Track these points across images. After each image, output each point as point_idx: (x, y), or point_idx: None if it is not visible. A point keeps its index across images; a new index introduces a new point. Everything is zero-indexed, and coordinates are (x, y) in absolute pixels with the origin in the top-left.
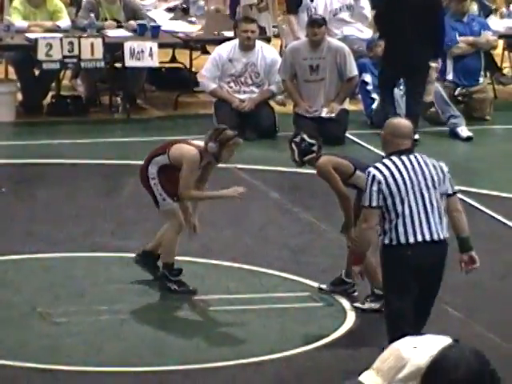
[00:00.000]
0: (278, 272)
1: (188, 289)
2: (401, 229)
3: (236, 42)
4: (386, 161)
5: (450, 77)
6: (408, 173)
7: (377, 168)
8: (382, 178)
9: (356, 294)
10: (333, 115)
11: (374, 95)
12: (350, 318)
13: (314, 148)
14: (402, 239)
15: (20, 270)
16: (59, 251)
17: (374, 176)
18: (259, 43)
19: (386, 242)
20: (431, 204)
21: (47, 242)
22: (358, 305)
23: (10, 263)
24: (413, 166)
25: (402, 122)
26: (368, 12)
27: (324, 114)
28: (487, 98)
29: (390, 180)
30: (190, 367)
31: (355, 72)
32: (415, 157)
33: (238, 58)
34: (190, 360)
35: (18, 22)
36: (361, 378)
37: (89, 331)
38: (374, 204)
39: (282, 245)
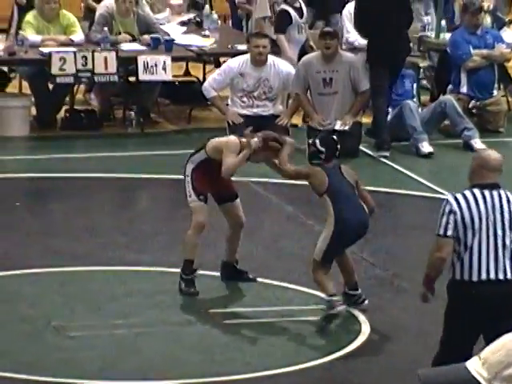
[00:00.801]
0: (292, 285)
1: (190, 292)
2: (467, 264)
3: (248, 56)
4: (466, 192)
5: (464, 89)
6: (486, 208)
7: (455, 198)
8: (457, 209)
9: (366, 302)
10: (346, 128)
11: (388, 108)
12: (365, 331)
13: (322, 156)
14: (466, 276)
15: (35, 284)
16: (74, 265)
17: (451, 205)
18: (271, 58)
19: (451, 276)
20: (503, 243)
21: (62, 256)
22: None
23: (25, 277)
24: (493, 201)
25: (492, 155)
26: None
27: (337, 126)
28: (501, 110)
29: (466, 212)
30: (206, 380)
31: (369, 85)
32: (498, 193)
33: (249, 72)
34: (205, 374)
35: (31, 36)
36: (467, 363)
37: (104, 345)
38: (449, 233)
39: (296, 257)
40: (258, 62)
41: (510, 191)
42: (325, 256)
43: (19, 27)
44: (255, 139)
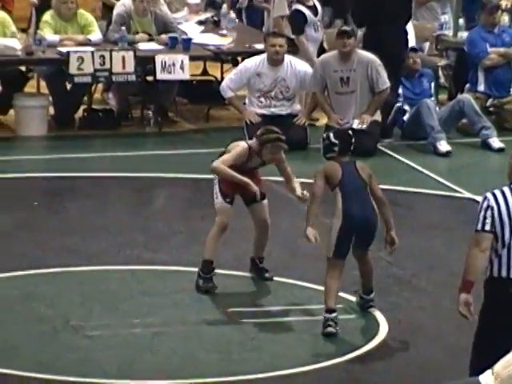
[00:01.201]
0: (310, 284)
1: (209, 286)
2: (504, 261)
3: (264, 56)
4: (505, 188)
5: (481, 88)
6: None
7: (493, 194)
8: (495, 205)
9: (372, 309)
10: (364, 127)
11: (406, 107)
12: (383, 330)
13: (335, 148)
14: (504, 273)
15: (53, 284)
16: (92, 264)
17: (488, 201)
18: (288, 57)
19: (488, 273)
20: None
21: (80, 256)
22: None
23: (42, 277)
24: None
25: None
26: None
27: (355, 125)
28: None
29: (503, 208)
30: (223, 380)
31: (387, 84)
32: None
33: (266, 72)
34: (222, 373)
35: (49, 36)
36: (480, 377)
37: (121, 344)
38: (487, 228)
39: (314, 257)
40: (275, 61)
41: None
42: (336, 250)
43: (37, 27)
44: (253, 140)
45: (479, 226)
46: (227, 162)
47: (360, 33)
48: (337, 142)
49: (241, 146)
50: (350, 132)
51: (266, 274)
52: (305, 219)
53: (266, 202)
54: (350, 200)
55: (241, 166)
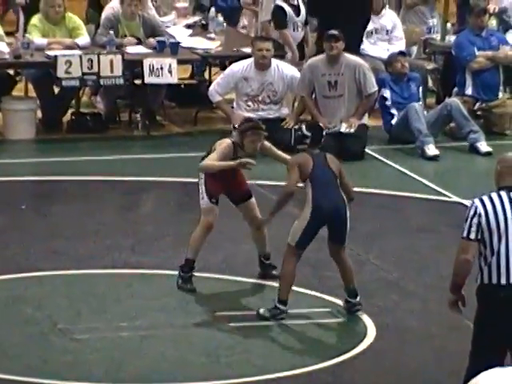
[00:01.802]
0: (298, 288)
1: (187, 288)
2: (494, 267)
3: (251, 60)
4: (493, 194)
5: (468, 91)
6: None
7: (481, 200)
8: (483, 212)
9: (360, 312)
10: (352, 131)
11: (394, 111)
12: (371, 334)
13: (307, 140)
14: (494, 279)
15: (41, 287)
16: (80, 268)
17: (476, 208)
18: (275, 61)
19: (479, 280)
20: None
21: (68, 259)
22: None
23: (30, 280)
24: None
25: None
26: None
27: (343, 129)
28: (506, 112)
29: (491, 215)
30: (211, 383)
31: (375, 88)
32: None
33: (253, 77)
34: (211, 376)
35: (37, 39)
36: None
37: (109, 347)
38: (472, 236)
39: (302, 260)
40: (262, 65)
41: None
42: (299, 240)
43: (25, 30)
44: (234, 132)
45: (465, 234)
46: (213, 160)
47: (314, 23)
48: (308, 134)
49: (225, 142)
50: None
51: (274, 272)
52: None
53: (253, 199)
54: (321, 191)
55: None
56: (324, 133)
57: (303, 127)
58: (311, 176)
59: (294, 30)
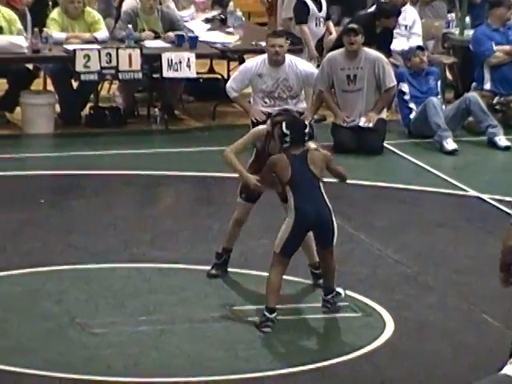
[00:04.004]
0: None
1: (211, 273)
2: None
3: (265, 56)
4: None
5: (487, 86)
6: None
7: None
8: None
9: (326, 309)
10: (370, 125)
11: (412, 105)
12: (389, 328)
13: (287, 139)
14: None
15: (59, 281)
16: (98, 262)
17: None
18: (289, 57)
19: None
20: None
21: (86, 253)
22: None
23: (48, 274)
24: None
25: None
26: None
27: (362, 123)
28: None
29: None
30: (229, 378)
31: (394, 82)
32: None
33: (267, 73)
34: (228, 370)
35: (56, 33)
36: (506, 370)
37: (127, 342)
38: None
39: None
40: (275, 62)
41: None
42: (284, 247)
43: (33, 26)
44: (267, 122)
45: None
46: (240, 146)
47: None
48: (288, 132)
49: (259, 128)
50: (305, 121)
51: (320, 281)
52: None
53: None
54: (302, 197)
55: (261, 152)
56: (307, 130)
57: (283, 125)
58: (290, 181)
59: (316, 25)
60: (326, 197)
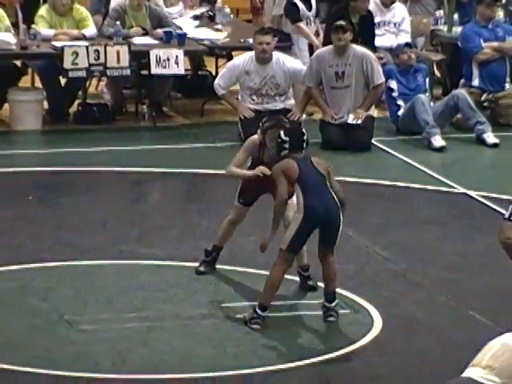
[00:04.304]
0: None
1: (199, 270)
2: None
3: (252, 53)
4: None
5: (475, 83)
6: None
7: None
8: None
9: (331, 319)
10: (359, 122)
11: (400, 102)
12: (377, 325)
13: (286, 145)
14: None
15: (47, 278)
16: (86, 259)
17: None
18: (276, 54)
19: None
20: None
21: (74, 250)
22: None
23: (37, 270)
24: None
25: None
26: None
27: (350, 120)
28: None
29: None
30: (218, 374)
31: (382, 79)
32: None
33: (254, 70)
34: (217, 367)
35: (44, 30)
36: (469, 374)
37: (116, 338)
38: None
39: (309, 252)
40: (262, 59)
41: None
42: (291, 244)
43: (24, 21)
44: (258, 131)
45: (506, 215)
46: (238, 161)
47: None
48: (287, 139)
49: (250, 139)
50: (303, 129)
51: (310, 282)
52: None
53: (292, 201)
54: (311, 194)
55: (256, 161)
56: (305, 137)
57: (281, 132)
58: (299, 179)
59: (306, 24)
60: (334, 194)
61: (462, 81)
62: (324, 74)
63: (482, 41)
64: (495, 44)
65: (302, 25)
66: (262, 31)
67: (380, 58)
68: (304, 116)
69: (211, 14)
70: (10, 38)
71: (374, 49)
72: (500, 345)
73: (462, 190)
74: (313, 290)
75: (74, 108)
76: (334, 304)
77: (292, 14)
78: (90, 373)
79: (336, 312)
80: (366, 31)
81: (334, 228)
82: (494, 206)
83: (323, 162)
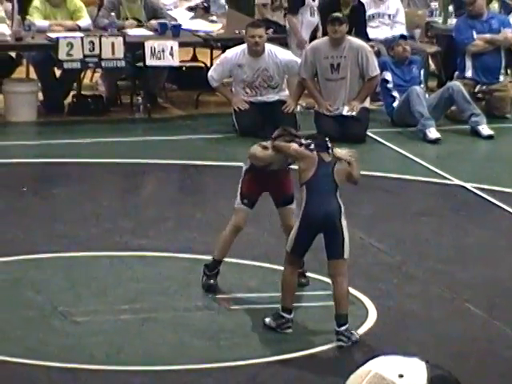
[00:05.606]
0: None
1: (209, 283)
2: None
3: (245, 46)
4: None
5: (468, 74)
6: None
7: None
8: None
9: (341, 343)
10: (354, 113)
11: (395, 93)
12: (372, 317)
13: (312, 147)
14: None
15: (41, 269)
16: (80, 250)
17: None
18: (268, 46)
19: None
20: None
21: (68, 241)
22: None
23: (30, 262)
24: None
25: None
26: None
27: (345, 112)
28: (507, 96)
29: None
30: (211, 366)
31: (377, 71)
32: None
33: (247, 63)
34: (211, 359)
35: (38, 21)
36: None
37: (110, 330)
38: None
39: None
40: (255, 52)
41: None
42: (294, 247)
43: (19, 13)
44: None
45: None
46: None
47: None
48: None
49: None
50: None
51: (302, 280)
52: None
53: (292, 206)
54: (314, 199)
55: (263, 167)
56: (327, 140)
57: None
58: (309, 182)
59: (310, 14)
60: (340, 202)
61: (457, 72)
62: (319, 66)
63: (474, 33)
64: (487, 36)
65: (294, 19)
66: (254, 24)
67: (372, 47)
68: (299, 108)
69: (206, 5)
70: (4, 30)
71: (367, 38)
72: (371, 376)
73: (457, 182)
74: (304, 286)
75: (68, 99)
76: (343, 329)
77: (293, 3)
78: (84, 364)
79: (346, 336)
80: (357, 22)
81: (335, 234)
82: (489, 198)
83: (343, 170)
